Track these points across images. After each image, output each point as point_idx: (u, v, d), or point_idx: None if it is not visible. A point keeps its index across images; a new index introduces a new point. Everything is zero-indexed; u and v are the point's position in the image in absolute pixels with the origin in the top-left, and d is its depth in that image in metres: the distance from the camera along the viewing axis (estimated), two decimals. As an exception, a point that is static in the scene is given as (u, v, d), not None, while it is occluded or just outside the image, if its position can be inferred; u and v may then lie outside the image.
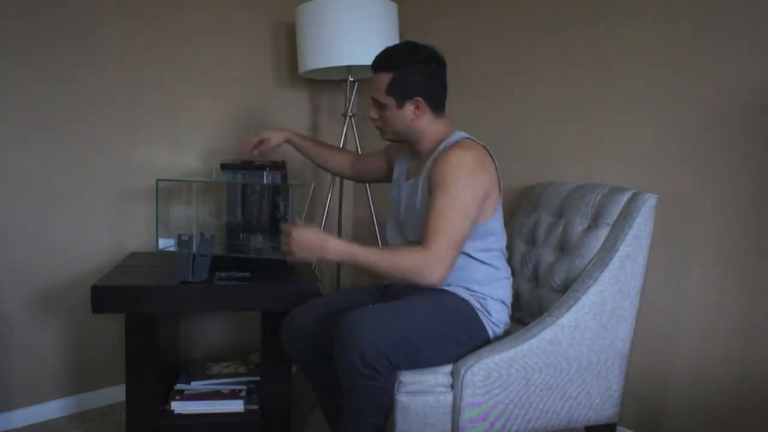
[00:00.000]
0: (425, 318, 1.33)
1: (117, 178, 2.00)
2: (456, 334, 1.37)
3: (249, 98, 2.32)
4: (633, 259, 1.47)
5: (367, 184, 2.24)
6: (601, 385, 1.49)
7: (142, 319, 1.57)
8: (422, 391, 1.32)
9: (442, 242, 1.30)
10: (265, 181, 1.78)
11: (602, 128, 1.78)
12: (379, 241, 2.29)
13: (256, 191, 1.82)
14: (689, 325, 1.61)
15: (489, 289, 1.44)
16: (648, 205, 1.48)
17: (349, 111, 2.23)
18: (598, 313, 1.44)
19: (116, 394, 2.05)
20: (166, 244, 1.80)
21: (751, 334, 1.50)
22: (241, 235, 1.83)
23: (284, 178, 1.83)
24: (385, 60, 1.43)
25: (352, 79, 2.21)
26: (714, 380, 1.57)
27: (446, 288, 1.42)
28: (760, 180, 1.47)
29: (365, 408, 1.29)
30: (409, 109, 1.44)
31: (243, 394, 1.78)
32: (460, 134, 1.48)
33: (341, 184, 2.35)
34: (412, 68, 1.41)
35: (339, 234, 2.38)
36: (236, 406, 1.73)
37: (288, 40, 2.41)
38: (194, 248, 1.58)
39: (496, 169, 1.45)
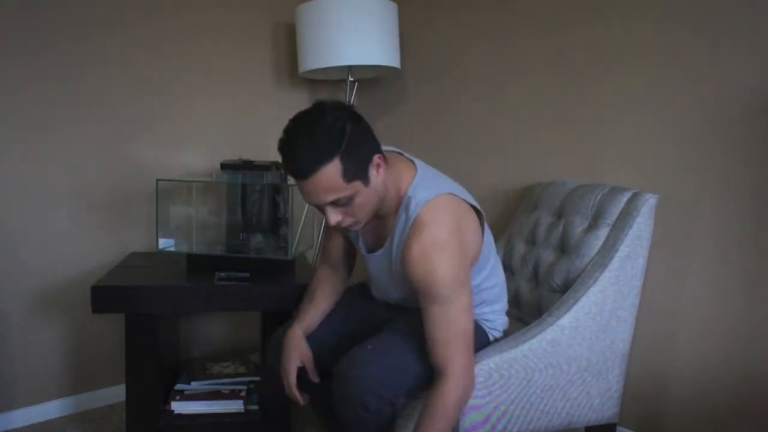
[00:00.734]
0: (425, 344, 1.23)
1: (117, 178, 2.00)
2: None
3: (249, 98, 2.32)
4: (633, 260, 1.47)
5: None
6: (601, 386, 1.49)
7: (141, 319, 1.57)
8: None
9: (457, 359, 1.16)
10: (265, 181, 1.79)
11: (602, 128, 1.78)
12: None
13: (256, 191, 1.82)
14: (689, 325, 1.61)
15: (487, 306, 1.41)
16: (648, 205, 1.48)
17: (349, 111, 2.23)
18: (599, 314, 1.44)
19: (116, 394, 2.05)
20: (166, 244, 1.80)
21: (751, 334, 1.50)
22: (241, 235, 1.83)
23: (284, 178, 1.83)
24: (317, 153, 1.10)
25: (352, 79, 2.21)
26: (714, 380, 1.57)
27: None
28: (760, 180, 1.47)
29: None
30: (374, 175, 1.18)
31: (243, 394, 1.78)
32: (414, 185, 1.23)
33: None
34: (345, 133, 1.12)
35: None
36: (236, 406, 1.73)
37: (288, 40, 2.40)
38: None
39: (464, 200, 1.27)
